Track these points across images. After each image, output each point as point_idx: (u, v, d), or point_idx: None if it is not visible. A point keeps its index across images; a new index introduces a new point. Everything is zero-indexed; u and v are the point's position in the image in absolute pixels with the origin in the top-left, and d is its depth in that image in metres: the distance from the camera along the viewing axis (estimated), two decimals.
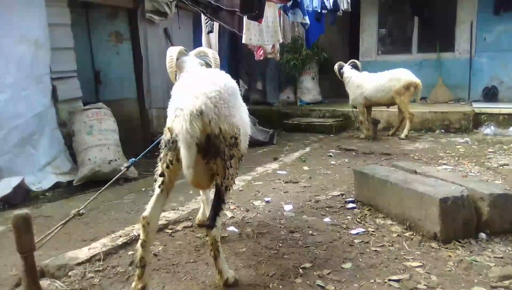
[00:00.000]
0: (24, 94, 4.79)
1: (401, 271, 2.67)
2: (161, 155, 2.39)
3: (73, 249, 3.08)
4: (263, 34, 5.64)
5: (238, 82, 7.39)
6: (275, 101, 10.27)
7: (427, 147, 6.55)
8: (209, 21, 5.16)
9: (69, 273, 2.77)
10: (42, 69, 5.05)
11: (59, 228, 2.76)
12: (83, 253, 2.99)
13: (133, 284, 2.42)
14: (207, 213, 3.30)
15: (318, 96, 10.23)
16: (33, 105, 4.90)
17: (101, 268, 2.84)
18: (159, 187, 2.42)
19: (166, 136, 2.33)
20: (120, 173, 3.22)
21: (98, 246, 3.09)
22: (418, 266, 2.73)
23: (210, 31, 5.20)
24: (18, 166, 4.75)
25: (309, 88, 10.15)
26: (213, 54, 2.91)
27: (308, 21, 5.66)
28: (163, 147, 2.37)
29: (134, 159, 3.09)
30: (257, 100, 10.23)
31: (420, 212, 3.15)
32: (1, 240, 3.51)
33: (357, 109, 7.55)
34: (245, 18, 4.64)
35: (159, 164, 2.42)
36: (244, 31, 5.17)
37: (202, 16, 4.89)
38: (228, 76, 2.57)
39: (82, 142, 5.17)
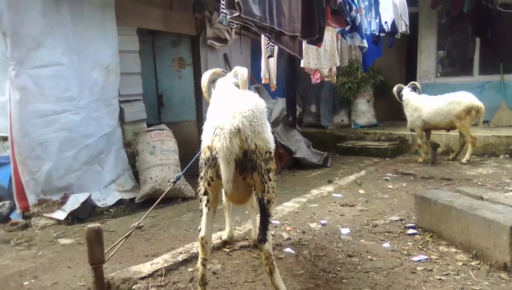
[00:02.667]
0: (95, 115, 5.15)
1: None
2: (201, 173, 2.51)
3: (136, 264, 3.20)
4: (321, 58, 5.69)
5: (295, 105, 7.58)
6: (329, 124, 10.21)
7: (491, 172, 6.21)
8: (270, 46, 5.30)
9: (133, 287, 2.86)
10: (112, 93, 5.41)
11: (122, 241, 2.92)
12: (146, 267, 3.10)
13: None
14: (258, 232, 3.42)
15: (373, 119, 10.05)
16: (102, 126, 5.24)
17: (163, 283, 2.92)
18: (206, 206, 2.56)
19: (205, 154, 2.44)
20: (168, 188, 3.36)
21: (160, 262, 3.20)
22: None
23: (271, 56, 5.34)
24: (85, 183, 5.06)
25: (364, 111, 10.01)
26: (241, 74, 3.00)
27: (366, 45, 5.65)
28: (202, 165, 2.49)
29: (179, 174, 3.25)
30: (310, 123, 10.24)
31: (488, 240, 2.99)
32: (71, 252, 3.74)
33: (415, 133, 7.34)
34: (304, 42, 4.72)
35: (201, 183, 2.55)
36: (303, 55, 5.26)
37: (263, 41, 5.05)
38: (257, 96, 2.66)
39: (145, 162, 5.43)
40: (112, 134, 5.38)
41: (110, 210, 5.02)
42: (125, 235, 2.95)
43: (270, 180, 2.51)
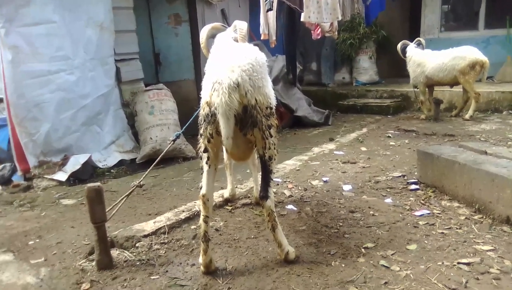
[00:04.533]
0: (91, 75, 5.04)
1: (471, 255, 2.55)
2: (201, 130, 2.45)
3: (139, 222, 3.22)
4: (322, 12, 5.48)
5: (295, 62, 7.41)
6: (330, 81, 10.06)
7: (494, 128, 6.15)
8: None
9: (137, 245, 2.89)
10: (107, 51, 5.26)
11: (124, 199, 2.91)
12: (149, 226, 3.12)
13: (201, 258, 2.51)
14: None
15: (375, 76, 9.89)
16: (98, 86, 5.14)
17: (166, 241, 2.94)
18: (207, 163, 2.50)
19: (204, 110, 2.37)
20: (168, 146, 3.34)
21: (162, 220, 3.21)
22: (490, 250, 2.59)
23: (270, 9, 5.13)
24: (85, 144, 5.03)
25: (366, 68, 9.82)
26: (240, 28, 2.88)
27: None
28: (202, 122, 2.43)
29: (179, 132, 3.20)
30: (311, 81, 10.07)
31: (492, 194, 2.98)
32: (74, 212, 3.76)
33: (418, 89, 7.21)
34: None
35: (201, 140, 2.49)
36: (303, 9, 5.06)
37: None
38: (257, 49, 2.56)
39: (144, 122, 5.37)
40: (109, 94, 5.28)
41: (111, 171, 5.02)
42: (126, 193, 2.93)
43: (271, 136, 2.46)
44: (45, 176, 4.61)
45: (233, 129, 2.27)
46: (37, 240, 3.18)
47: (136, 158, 5.30)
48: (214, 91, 2.25)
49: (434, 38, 9.68)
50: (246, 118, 2.32)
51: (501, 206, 2.91)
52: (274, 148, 2.50)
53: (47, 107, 4.65)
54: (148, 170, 3.07)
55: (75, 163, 4.71)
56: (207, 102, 2.34)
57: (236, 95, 2.22)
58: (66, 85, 4.78)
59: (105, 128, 5.26)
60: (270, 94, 2.48)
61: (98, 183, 2.66)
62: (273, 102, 2.52)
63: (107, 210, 2.68)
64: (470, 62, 6.51)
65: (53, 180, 4.58)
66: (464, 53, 6.60)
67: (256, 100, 2.32)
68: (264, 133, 2.41)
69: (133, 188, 2.97)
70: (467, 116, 6.81)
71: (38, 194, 4.34)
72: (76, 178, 4.62)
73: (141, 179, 3.02)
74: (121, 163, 5.21)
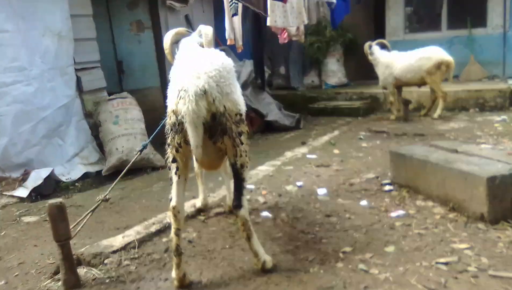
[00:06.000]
0: (50, 85, 4.81)
1: (449, 254, 2.53)
2: (169, 140, 2.36)
3: (107, 238, 3.07)
4: (288, 16, 5.45)
5: (263, 66, 7.36)
6: (299, 85, 10.05)
7: (462, 126, 6.28)
8: (234, 4, 5.01)
9: (105, 261, 2.75)
10: (66, 61, 5.05)
11: (89, 215, 2.75)
12: (118, 241, 2.98)
13: (173, 272, 2.41)
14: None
15: (343, 79, 9.97)
16: (59, 97, 4.91)
17: (136, 256, 2.81)
18: (176, 174, 2.40)
19: (171, 119, 2.28)
20: (135, 157, 3.17)
21: (132, 234, 3.08)
22: (467, 248, 2.58)
23: (235, 14, 5.05)
24: (47, 158, 4.80)
25: (334, 70, 9.89)
26: (205, 33, 2.80)
27: (334, 0, 5.44)
28: (169, 131, 2.33)
29: (145, 142, 3.06)
30: (280, 85, 10.02)
31: (465, 192, 2.98)
32: (37, 230, 3.55)
33: (387, 90, 7.30)
34: (269, 0, 4.47)
35: (169, 150, 2.39)
36: (268, 13, 5.01)
37: None
38: (223, 55, 2.49)
39: (109, 132, 5.17)
40: (70, 105, 5.05)
41: (76, 184, 4.80)
42: (91, 208, 2.77)
43: (242, 143, 2.37)
44: (4, 193, 4.36)
45: (202, 137, 2.18)
46: None
47: (102, 170, 5.09)
48: (180, 99, 2.15)
49: (399, 40, 9.85)
50: (215, 126, 2.24)
51: (475, 204, 2.91)
52: (246, 155, 2.42)
53: (4, 121, 4.40)
54: (114, 182, 2.91)
55: (37, 178, 4.47)
56: (173, 110, 2.24)
57: (203, 102, 2.13)
58: (24, 96, 4.54)
59: (67, 140, 5.03)
60: (239, 100, 2.40)
61: (60, 199, 2.52)
62: (243, 108, 2.44)
63: (71, 226, 2.53)
64: (436, 62, 6.65)
65: (13, 196, 4.33)
66: (430, 54, 6.75)
67: (224, 107, 2.24)
68: (234, 141, 2.32)
69: (99, 202, 2.82)
70: (435, 115, 6.93)
71: None
72: (38, 193, 4.39)
73: (107, 192, 2.87)
74: (86, 176, 4.99)
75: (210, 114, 2.20)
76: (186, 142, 2.24)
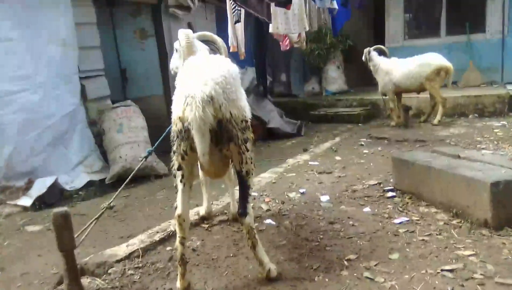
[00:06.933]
0: (55, 94, 4.83)
1: (454, 261, 2.53)
2: (174, 147, 2.34)
3: (111, 247, 3.05)
4: (290, 22, 5.50)
5: (265, 73, 7.39)
6: (300, 92, 10.12)
7: (462, 132, 6.30)
8: (237, 11, 5.05)
9: (109, 271, 2.73)
10: (71, 69, 5.08)
11: (93, 223, 2.76)
12: (122, 250, 2.96)
13: (178, 282, 2.40)
14: (236, 206, 3.33)
15: (344, 86, 10.02)
16: (63, 105, 4.94)
17: (140, 265, 2.79)
18: (181, 181, 2.39)
19: (177, 126, 2.27)
20: (139, 164, 3.18)
21: (136, 243, 3.06)
22: (471, 255, 2.57)
23: (238, 21, 5.09)
24: (51, 166, 4.81)
25: (335, 77, 9.95)
26: (222, 42, 2.83)
27: (336, 6, 5.50)
28: (175, 138, 2.32)
29: (150, 149, 3.06)
30: (281, 92, 10.10)
31: (469, 198, 2.99)
32: (40, 239, 3.55)
33: (387, 97, 7.33)
34: (272, 6, 4.51)
35: (174, 157, 2.38)
36: (271, 20, 5.05)
37: (228, 5, 4.79)
38: (229, 61, 2.50)
39: (113, 140, 5.19)
40: (75, 113, 5.08)
41: (80, 193, 4.80)
42: (96, 217, 2.77)
43: (248, 150, 2.37)
44: (8, 201, 4.36)
45: (209, 144, 2.17)
46: (0, 273, 2.96)
47: (105, 178, 5.10)
48: (187, 106, 2.14)
49: (398, 46, 9.91)
50: (221, 132, 2.23)
51: (478, 210, 2.92)
52: (251, 163, 2.42)
53: (9, 129, 4.42)
54: (118, 190, 2.92)
55: (41, 186, 4.47)
56: (179, 117, 2.23)
57: (210, 109, 2.11)
58: (29, 105, 4.57)
59: (71, 148, 5.05)
60: (245, 106, 2.40)
61: (65, 208, 2.50)
62: (248, 115, 2.45)
63: (75, 235, 2.52)
64: (436, 68, 6.69)
65: (17, 205, 4.33)
66: (429, 60, 6.79)
67: (231, 113, 2.23)
68: (240, 148, 2.32)
69: (103, 210, 2.82)
70: (435, 121, 6.96)
71: (0, 222, 4.07)
72: (42, 202, 4.39)
73: (111, 200, 2.88)
74: (89, 184, 5.00)
75: (216, 120, 2.19)
76: (192, 149, 2.23)
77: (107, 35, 6.60)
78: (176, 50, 3.18)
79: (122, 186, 2.94)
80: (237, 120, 2.28)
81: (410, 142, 5.91)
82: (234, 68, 2.43)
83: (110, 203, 2.86)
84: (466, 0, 9.39)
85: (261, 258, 2.46)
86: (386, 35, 10.23)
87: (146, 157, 3.04)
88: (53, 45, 4.82)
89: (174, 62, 3.25)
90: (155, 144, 3.09)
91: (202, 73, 2.24)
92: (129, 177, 2.99)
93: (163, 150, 5.03)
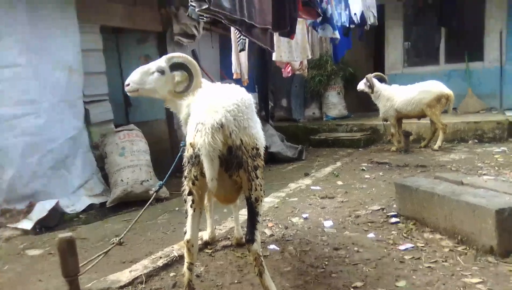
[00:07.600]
0: (59, 118, 4.85)
1: (462, 289, 2.50)
2: (185, 172, 2.38)
3: (114, 272, 3.02)
4: (293, 51, 5.62)
5: (267, 99, 7.47)
6: (301, 117, 10.20)
7: (463, 157, 6.33)
8: (241, 40, 5.17)
9: None
10: (76, 94, 5.12)
11: (101, 256, 2.75)
12: (125, 275, 2.93)
13: None
14: (241, 230, 3.38)
15: (344, 111, 10.12)
16: (67, 129, 4.95)
17: None
18: (191, 207, 2.42)
19: (188, 152, 2.32)
20: (151, 199, 3.18)
21: (139, 268, 3.03)
22: (479, 283, 2.55)
23: (242, 49, 5.20)
24: (52, 189, 4.77)
25: (335, 103, 10.05)
26: (193, 64, 2.86)
27: (338, 36, 5.62)
28: (186, 164, 2.37)
29: (161, 182, 3.04)
30: (282, 117, 10.17)
31: (474, 225, 2.98)
32: (41, 264, 3.49)
33: (388, 122, 7.40)
34: (275, 35, 4.62)
35: (185, 182, 2.41)
36: (275, 48, 5.15)
37: (233, 35, 4.90)
38: (243, 90, 2.56)
39: (115, 164, 5.18)
40: (78, 137, 5.09)
41: (80, 216, 4.77)
42: (105, 250, 2.79)
43: (257, 177, 2.40)
44: (8, 225, 4.30)
45: (218, 170, 2.20)
46: None
47: (106, 202, 5.07)
48: (197, 132, 2.20)
49: (398, 74, 10.08)
50: (231, 159, 2.26)
51: (484, 237, 2.91)
52: (261, 189, 2.44)
53: (12, 152, 4.42)
54: (128, 228, 2.94)
55: (41, 209, 4.44)
56: (190, 143, 2.28)
57: (219, 135, 2.16)
58: (33, 129, 4.58)
59: (73, 171, 5.03)
60: (257, 134, 2.44)
61: (70, 234, 2.50)
62: (261, 143, 2.48)
63: (81, 265, 2.50)
64: (436, 95, 6.78)
65: (17, 229, 4.28)
66: (430, 87, 6.89)
67: (241, 140, 2.28)
68: (250, 175, 2.35)
69: (113, 245, 2.84)
70: (436, 147, 7.00)
71: (0, 245, 4.03)
72: (43, 225, 4.35)
73: (122, 236, 2.90)
74: (90, 207, 4.97)
75: (226, 147, 2.23)
76: (203, 174, 2.26)
77: (113, 61, 6.69)
78: (163, 72, 2.95)
79: (130, 226, 2.95)
80: (247, 147, 2.31)
81: (411, 167, 5.92)
82: (248, 97, 2.48)
83: (120, 238, 2.85)
84: (465, 30, 9.58)
85: (268, 285, 2.43)
86: (386, 62, 10.41)
87: (157, 191, 3.06)
88: (59, 71, 4.87)
89: (149, 82, 2.96)
90: (166, 177, 3.05)
91: (214, 101, 2.31)
92: (139, 215, 2.95)
93: (165, 175, 5.06)
